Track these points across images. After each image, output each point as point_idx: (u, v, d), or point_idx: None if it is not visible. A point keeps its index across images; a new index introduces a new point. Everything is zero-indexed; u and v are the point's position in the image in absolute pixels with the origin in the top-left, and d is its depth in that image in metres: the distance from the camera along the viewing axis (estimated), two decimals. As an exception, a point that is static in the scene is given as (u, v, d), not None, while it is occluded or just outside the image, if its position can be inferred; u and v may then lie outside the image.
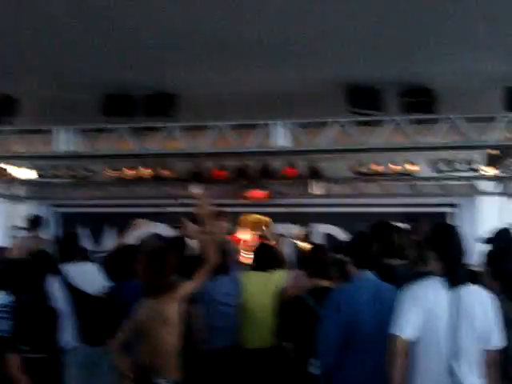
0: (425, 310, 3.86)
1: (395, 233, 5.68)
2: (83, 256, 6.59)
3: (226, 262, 6.54)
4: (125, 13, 4.91)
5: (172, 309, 4.80)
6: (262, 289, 6.37)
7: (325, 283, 5.65)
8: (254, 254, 6.80)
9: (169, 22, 5.15)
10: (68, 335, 5.83)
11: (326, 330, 4.80)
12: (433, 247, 4.10)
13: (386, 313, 4.40)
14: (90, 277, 6.15)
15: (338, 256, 5.82)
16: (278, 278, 6.47)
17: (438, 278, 3.94)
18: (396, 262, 5.44)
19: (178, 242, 7.06)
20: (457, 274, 3.92)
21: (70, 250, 6.35)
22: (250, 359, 6.30)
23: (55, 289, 6.27)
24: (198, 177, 11.99)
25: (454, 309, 3.85)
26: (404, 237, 6.12)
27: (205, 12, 4.95)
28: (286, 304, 6.06)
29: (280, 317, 6.08)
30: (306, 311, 5.43)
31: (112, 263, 6.44)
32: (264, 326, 6.29)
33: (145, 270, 4.80)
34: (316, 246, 6.83)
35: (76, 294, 6.02)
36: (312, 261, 5.84)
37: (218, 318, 6.10)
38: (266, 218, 11.48)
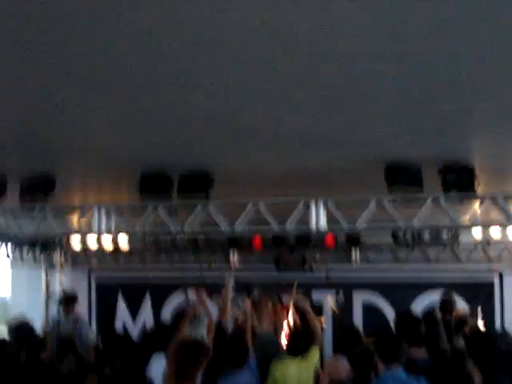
0: None
1: (420, 324, 5.50)
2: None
3: (245, 352, 6.30)
4: (162, 97, 4.89)
5: None
6: (299, 376, 6.24)
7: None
8: (287, 342, 6.71)
9: (207, 110, 5.12)
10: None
11: None
12: (470, 355, 3.92)
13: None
14: None
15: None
16: (314, 361, 6.35)
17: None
18: (420, 354, 5.25)
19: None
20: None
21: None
22: None
23: None
24: (235, 244, 11.94)
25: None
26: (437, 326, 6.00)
27: (243, 102, 4.94)
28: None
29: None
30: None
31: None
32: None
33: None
34: (349, 331, 6.74)
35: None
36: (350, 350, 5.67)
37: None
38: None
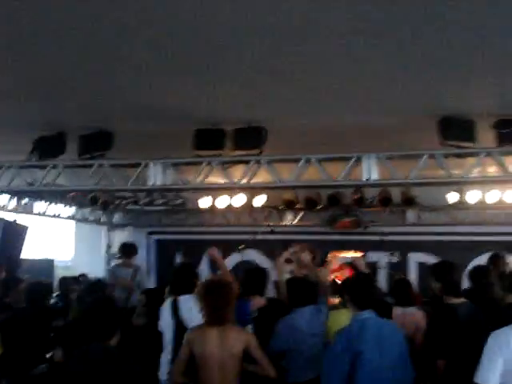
0: (508, 358, 3.71)
1: (457, 271, 5.52)
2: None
3: (315, 292, 6.52)
4: (215, 52, 5.01)
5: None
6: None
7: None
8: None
9: (260, 62, 5.22)
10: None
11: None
12: None
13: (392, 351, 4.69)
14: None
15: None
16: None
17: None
18: (458, 300, 5.29)
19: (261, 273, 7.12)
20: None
21: (186, 281, 6.44)
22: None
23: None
24: (290, 205, 12.00)
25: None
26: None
27: (294, 55, 5.05)
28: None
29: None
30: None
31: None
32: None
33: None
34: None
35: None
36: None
37: (304, 349, 6.11)
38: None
